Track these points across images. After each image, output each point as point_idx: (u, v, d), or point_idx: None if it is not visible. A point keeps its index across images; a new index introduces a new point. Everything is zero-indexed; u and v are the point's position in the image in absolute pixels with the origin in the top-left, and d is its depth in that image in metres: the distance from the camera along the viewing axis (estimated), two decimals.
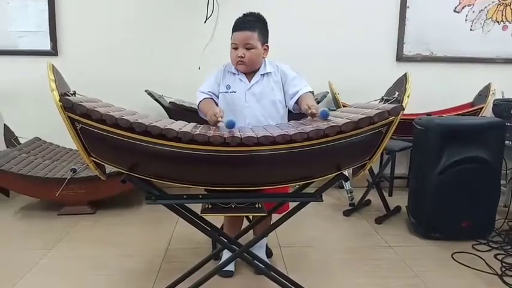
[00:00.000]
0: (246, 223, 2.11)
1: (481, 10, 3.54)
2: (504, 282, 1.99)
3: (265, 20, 1.88)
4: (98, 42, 3.40)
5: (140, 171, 1.45)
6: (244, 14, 1.89)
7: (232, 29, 1.83)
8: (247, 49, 1.79)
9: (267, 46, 1.88)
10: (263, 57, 1.88)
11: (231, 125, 1.44)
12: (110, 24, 3.39)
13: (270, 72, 1.88)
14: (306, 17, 3.46)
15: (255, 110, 1.85)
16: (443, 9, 3.53)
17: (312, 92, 1.84)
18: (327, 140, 1.35)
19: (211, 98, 1.88)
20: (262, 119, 1.84)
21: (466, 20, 3.55)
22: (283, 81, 1.89)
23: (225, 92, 1.88)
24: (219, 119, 1.58)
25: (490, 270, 2.11)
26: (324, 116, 1.46)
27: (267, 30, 1.88)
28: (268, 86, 1.87)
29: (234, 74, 1.89)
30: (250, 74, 1.89)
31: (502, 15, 3.56)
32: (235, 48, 1.81)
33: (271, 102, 1.87)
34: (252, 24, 1.81)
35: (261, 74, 1.87)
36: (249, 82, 1.87)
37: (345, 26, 3.49)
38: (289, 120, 1.89)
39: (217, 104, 1.87)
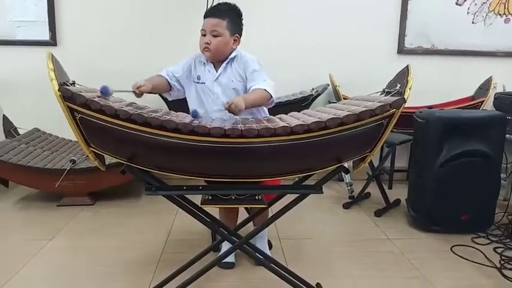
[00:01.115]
0: (242, 216, 2.10)
1: (483, 3, 3.52)
2: (503, 275, 2.00)
3: (239, 11, 1.85)
4: (97, 32, 3.38)
5: (140, 162, 1.44)
6: (218, 3, 1.88)
7: (204, 15, 1.81)
8: (214, 36, 1.77)
9: (238, 37, 1.84)
10: (232, 48, 1.84)
11: (194, 115, 1.45)
12: (109, 14, 3.37)
13: (232, 58, 1.85)
14: (307, 9, 3.44)
15: (222, 100, 1.82)
16: (445, 1, 3.51)
17: (267, 90, 1.76)
18: (328, 132, 1.34)
19: (165, 78, 1.87)
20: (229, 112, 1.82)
21: (468, 13, 3.53)
22: (244, 72, 1.86)
23: (196, 83, 1.88)
24: (137, 91, 1.63)
25: (489, 263, 2.11)
26: (193, 115, 1.44)
27: (240, 22, 1.85)
28: (232, 75, 1.85)
29: (204, 64, 1.88)
30: (217, 64, 1.87)
31: (505, 8, 3.53)
32: (204, 35, 1.79)
33: (234, 91, 1.85)
34: (223, 12, 1.79)
35: (226, 63, 1.85)
36: (216, 72, 1.86)
37: (346, 18, 3.47)
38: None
39: (170, 85, 1.88)
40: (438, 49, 3.57)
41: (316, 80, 3.38)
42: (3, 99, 3.39)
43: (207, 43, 1.77)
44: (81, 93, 1.30)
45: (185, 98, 1.94)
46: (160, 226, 2.53)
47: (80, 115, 1.34)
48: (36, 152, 2.95)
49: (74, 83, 1.43)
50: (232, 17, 1.81)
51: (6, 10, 3.32)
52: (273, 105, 1.86)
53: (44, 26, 3.34)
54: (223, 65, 1.85)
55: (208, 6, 3.18)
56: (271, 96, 1.79)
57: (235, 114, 1.59)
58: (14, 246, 2.27)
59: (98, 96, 1.35)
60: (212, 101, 1.84)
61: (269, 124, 1.37)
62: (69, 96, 1.29)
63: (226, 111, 1.59)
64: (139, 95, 1.65)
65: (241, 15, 1.85)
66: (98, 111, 1.30)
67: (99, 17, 3.37)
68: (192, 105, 1.90)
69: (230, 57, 1.84)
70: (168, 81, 1.87)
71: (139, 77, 3.03)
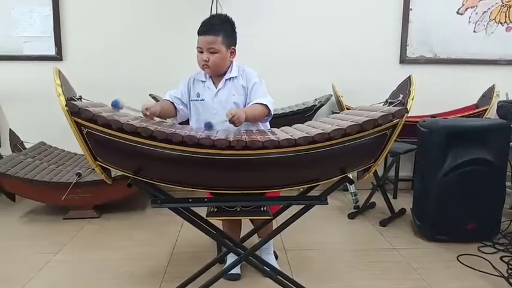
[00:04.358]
0: (246, 227, 2.11)
1: (484, 12, 3.54)
2: (510, 284, 1.98)
3: (231, 22, 1.85)
4: (103, 46, 3.42)
5: (146, 175, 1.46)
6: (210, 16, 1.90)
7: (197, 32, 1.81)
8: (211, 53, 1.78)
9: (234, 49, 1.85)
10: (230, 60, 1.86)
11: (207, 127, 1.51)
12: (114, 29, 3.42)
13: (235, 77, 1.87)
14: (309, 20, 3.47)
15: (222, 116, 1.78)
16: (447, 11, 3.53)
17: (267, 106, 1.79)
18: (332, 143, 1.35)
19: (171, 102, 1.89)
20: (229, 125, 1.78)
21: (469, 22, 3.55)
22: (247, 84, 1.87)
23: (196, 100, 1.90)
24: (147, 112, 1.66)
25: (496, 273, 2.10)
26: (207, 127, 1.50)
27: (234, 33, 1.86)
28: (234, 91, 1.86)
29: (203, 81, 1.90)
30: (217, 79, 1.88)
31: (506, 16, 3.55)
32: (201, 52, 1.81)
33: (235, 105, 1.85)
34: (216, 27, 1.78)
35: (226, 79, 1.86)
36: (216, 88, 1.87)
37: (348, 29, 3.50)
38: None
39: (175, 108, 1.89)
40: (440, 58, 3.58)
41: (319, 91, 3.40)
42: (9, 113, 3.44)
43: (206, 60, 1.79)
44: (88, 108, 1.32)
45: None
46: (166, 238, 2.54)
47: (86, 129, 1.36)
48: (42, 166, 2.97)
49: (80, 98, 1.45)
50: (226, 31, 1.81)
51: (13, 26, 3.37)
52: (268, 120, 1.88)
53: (49, 41, 3.39)
54: (223, 81, 1.86)
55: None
56: (270, 113, 1.81)
57: (235, 126, 1.61)
58: (21, 259, 2.28)
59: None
60: (212, 116, 1.84)
61: (273, 136, 1.38)
62: (76, 112, 1.31)
63: (227, 122, 1.60)
64: (149, 117, 1.67)
65: (235, 25, 1.86)
66: (104, 125, 1.32)
67: (104, 32, 3.42)
68: (192, 121, 1.91)
69: (231, 75, 1.86)
70: (175, 106, 1.89)
71: (144, 90, 3.13)
